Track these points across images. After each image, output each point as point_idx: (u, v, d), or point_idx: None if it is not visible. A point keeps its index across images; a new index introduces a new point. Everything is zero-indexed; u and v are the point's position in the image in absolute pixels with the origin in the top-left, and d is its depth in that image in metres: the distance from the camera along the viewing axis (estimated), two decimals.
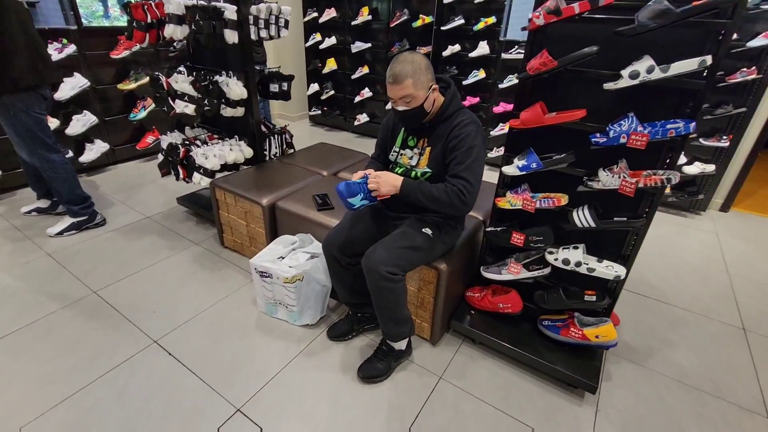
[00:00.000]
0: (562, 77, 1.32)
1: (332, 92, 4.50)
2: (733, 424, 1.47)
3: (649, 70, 1.12)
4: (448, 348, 1.76)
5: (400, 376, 1.61)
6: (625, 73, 1.16)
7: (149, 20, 2.10)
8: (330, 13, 4.12)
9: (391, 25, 3.78)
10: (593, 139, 1.28)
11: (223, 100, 2.17)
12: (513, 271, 1.61)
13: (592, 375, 1.51)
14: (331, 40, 4.23)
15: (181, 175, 2.36)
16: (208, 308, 1.92)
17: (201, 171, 2.26)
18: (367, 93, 4.26)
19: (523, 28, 1.32)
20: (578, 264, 1.44)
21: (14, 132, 2.11)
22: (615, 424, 1.45)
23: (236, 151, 2.34)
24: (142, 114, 3.45)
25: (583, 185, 1.36)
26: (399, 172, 1.56)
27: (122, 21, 3.32)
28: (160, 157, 2.48)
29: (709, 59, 1.07)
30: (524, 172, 1.43)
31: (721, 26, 1.07)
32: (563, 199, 1.42)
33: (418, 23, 3.60)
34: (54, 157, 2.26)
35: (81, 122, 3.09)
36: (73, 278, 2.08)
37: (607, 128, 1.25)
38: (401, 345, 1.60)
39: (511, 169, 1.46)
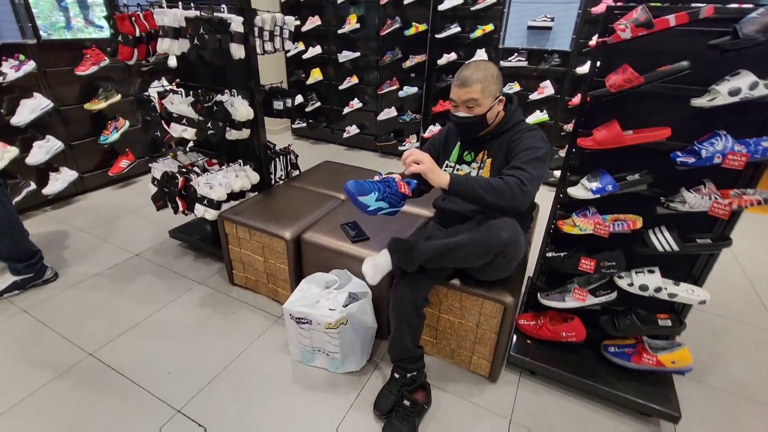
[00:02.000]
0: (636, 93, 1.23)
1: (318, 104, 4.29)
2: None
3: (752, 87, 1.05)
4: (508, 384, 1.63)
5: (468, 421, 1.46)
6: (722, 89, 1.08)
7: (138, 34, 1.82)
8: (314, 21, 3.92)
9: (382, 34, 3.64)
10: (678, 159, 1.19)
11: (227, 123, 1.93)
12: (578, 298, 1.50)
13: (670, 402, 1.43)
14: (316, 50, 4.03)
15: (181, 208, 2.09)
16: (233, 361, 1.68)
17: (205, 202, 2.00)
18: (356, 104, 4.08)
19: (599, 42, 1.22)
20: (658, 289, 1.35)
21: None
22: None
23: (242, 177, 2.10)
24: (114, 136, 3.09)
25: (664, 207, 1.28)
26: None
27: (87, 33, 2.97)
28: (152, 188, 2.19)
29: None
30: (598, 195, 1.33)
31: None
32: (638, 222, 1.33)
33: (412, 31, 3.48)
34: None
35: (44, 149, 2.70)
36: (59, 338, 1.76)
37: (696, 147, 1.17)
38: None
39: (580, 192, 1.36)
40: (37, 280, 2.05)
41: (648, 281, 1.36)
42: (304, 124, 4.43)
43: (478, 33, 3.24)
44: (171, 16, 1.73)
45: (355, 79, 3.99)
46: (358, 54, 3.87)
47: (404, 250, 1.37)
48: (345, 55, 3.89)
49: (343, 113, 4.15)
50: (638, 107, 1.29)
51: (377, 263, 1.42)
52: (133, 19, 1.80)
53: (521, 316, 1.73)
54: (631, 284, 1.40)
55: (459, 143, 1.48)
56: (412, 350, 1.48)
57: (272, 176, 2.32)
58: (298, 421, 1.44)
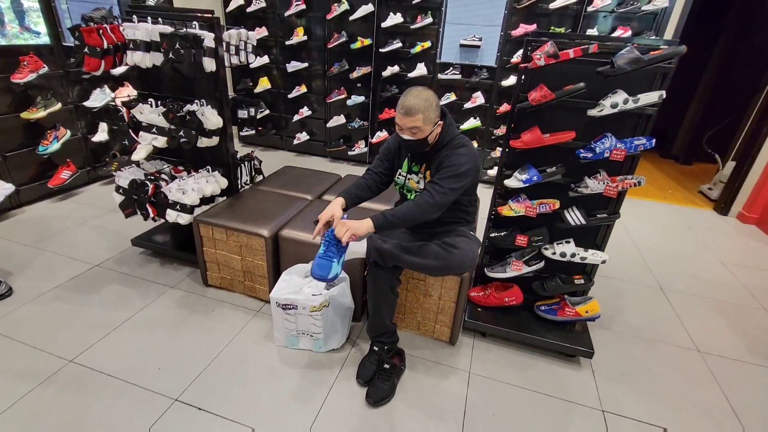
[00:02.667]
0: (550, 106, 1.62)
1: (267, 111, 4.39)
2: (679, 360, 1.95)
3: (625, 102, 1.48)
4: (465, 346, 1.95)
5: (436, 377, 1.75)
6: (606, 103, 1.50)
7: (106, 46, 1.88)
8: (260, 32, 4.03)
9: (329, 46, 3.87)
10: (581, 155, 1.60)
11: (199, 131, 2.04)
12: (516, 269, 1.87)
13: (586, 343, 1.85)
14: (263, 59, 4.14)
15: (151, 214, 2.14)
16: (221, 353, 1.80)
17: (177, 207, 2.08)
18: (306, 111, 4.26)
19: (523, 65, 1.59)
20: (573, 255, 1.76)
21: None
22: (608, 379, 1.80)
23: (212, 183, 2.21)
24: (55, 146, 2.96)
25: (573, 191, 1.68)
26: (410, 196, 1.71)
27: (22, 39, 2.81)
28: (117, 197, 2.20)
29: (663, 93, 1.46)
30: (527, 185, 1.70)
31: (667, 70, 1.47)
32: (557, 204, 1.73)
33: (357, 45, 3.76)
34: None
35: None
36: (32, 350, 1.75)
37: (593, 146, 1.58)
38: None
39: (513, 182, 1.73)
40: None
41: (566, 249, 1.77)
42: (253, 132, 4.50)
43: (417, 48, 3.62)
44: (143, 31, 1.82)
45: (303, 88, 4.17)
46: (306, 64, 4.07)
47: (381, 257, 1.59)
48: (293, 65, 4.05)
49: (294, 120, 4.30)
50: (552, 116, 1.68)
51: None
52: (101, 31, 1.85)
53: (472, 289, 2.07)
54: (554, 253, 1.79)
55: (408, 156, 1.70)
56: (389, 326, 1.74)
57: (239, 181, 2.44)
58: (291, 395, 1.62)
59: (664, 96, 1.47)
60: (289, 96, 4.23)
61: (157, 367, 1.71)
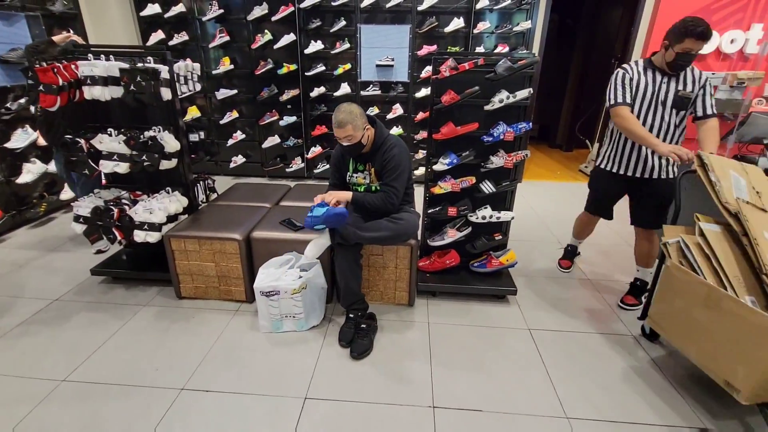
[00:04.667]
0: (457, 104, 2.15)
1: (198, 138, 4.47)
2: (576, 287, 2.59)
3: (507, 98, 2.06)
4: (421, 305, 2.37)
5: (403, 330, 2.14)
6: (495, 99, 2.07)
7: (61, 83, 2.01)
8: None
9: (257, 73, 4.16)
10: (485, 139, 2.15)
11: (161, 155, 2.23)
12: (451, 235, 2.36)
13: (511, 285, 2.39)
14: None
15: (118, 237, 2.24)
16: (213, 347, 1.99)
17: (145, 227, 2.23)
18: (240, 136, 4.46)
19: (433, 77, 2.10)
20: (491, 216, 2.29)
21: None
22: (530, 308, 2.35)
23: (175, 202, 2.39)
24: None
25: (484, 168, 2.22)
26: (362, 189, 2.12)
27: None
28: (76, 227, 2.26)
29: (531, 90, 2.07)
30: (449, 167, 2.20)
31: (531, 74, 2.09)
32: (474, 179, 2.26)
33: (284, 70, 4.11)
34: None
35: None
36: (17, 379, 1.78)
37: (491, 132, 2.14)
38: None
39: (440, 166, 2.22)
40: None
41: (485, 213, 2.30)
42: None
43: (340, 71, 4.08)
44: (101, 68, 2.00)
45: (235, 114, 4.38)
46: (235, 91, 4.29)
47: (344, 238, 1.96)
48: (223, 93, 4.26)
49: (228, 145, 4.46)
50: (461, 113, 2.22)
51: (320, 243, 2.00)
52: (55, 70, 1.99)
53: (420, 260, 2.51)
54: (477, 218, 2.31)
55: (351, 159, 2.12)
56: (359, 294, 2.10)
57: (196, 199, 2.62)
58: (287, 367, 1.88)
59: (532, 92, 2.08)
60: (221, 122, 4.40)
61: (155, 369, 1.85)
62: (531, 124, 2.16)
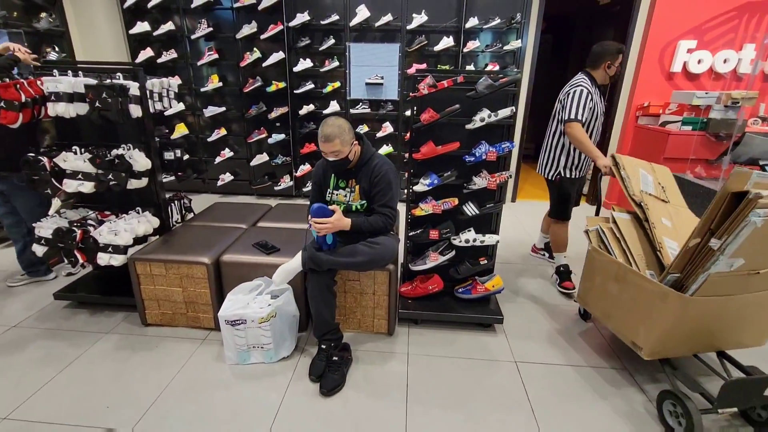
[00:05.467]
0: (437, 123, 2.06)
1: (186, 156, 4.42)
2: (568, 313, 2.44)
3: (489, 116, 1.96)
4: (401, 334, 2.23)
5: (380, 363, 1.99)
6: (476, 118, 1.98)
7: (24, 99, 1.93)
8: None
9: (245, 91, 4.12)
10: (467, 159, 2.05)
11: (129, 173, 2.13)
12: (434, 259, 2.23)
13: (497, 312, 2.25)
14: (179, 106, 4.23)
15: (80, 260, 2.12)
16: (171, 381, 1.85)
17: (110, 249, 2.11)
18: (228, 153, 4.39)
19: (412, 95, 2.02)
20: (475, 240, 2.17)
21: None
22: (518, 338, 2.20)
23: (144, 222, 2.28)
24: None
25: (466, 189, 2.12)
26: (341, 207, 2.00)
27: None
28: (38, 248, 2.15)
29: (514, 108, 1.98)
30: (430, 188, 2.10)
31: (514, 92, 2.00)
32: (456, 201, 2.15)
33: (273, 88, 4.07)
34: None
35: None
36: None
37: (474, 151, 2.04)
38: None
39: (420, 187, 2.11)
40: None
41: (469, 236, 2.18)
42: (172, 178, 4.47)
43: (329, 89, 4.04)
44: (66, 84, 1.93)
45: (223, 131, 4.32)
46: (223, 108, 4.24)
47: (316, 264, 1.84)
48: (211, 110, 4.21)
49: (216, 162, 4.39)
50: (441, 131, 2.12)
51: (290, 269, 1.88)
52: (18, 86, 1.91)
53: (401, 285, 2.38)
54: (460, 241, 2.19)
55: (333, 175, 2.02)
56: (332, 323, 1.96)
57: (170, 220, 2.51)
58: (251, 404, 1.73)
59: (515, 110, 1.99)
60: (209, 140, 4.33)
61: (105, 406, 1.70)
62: (514, 143, 2.06)
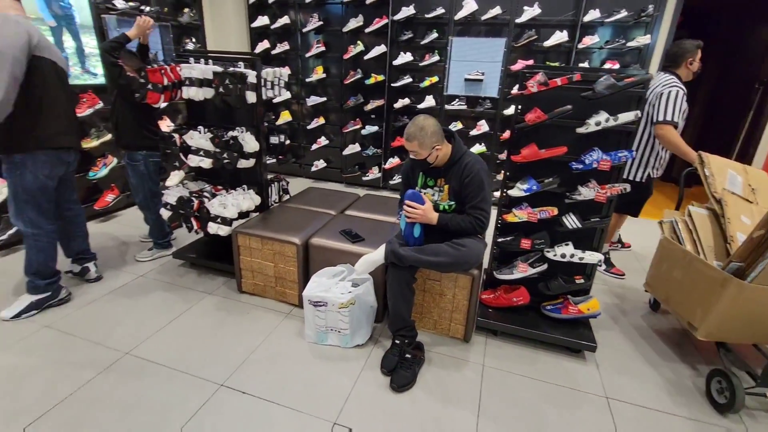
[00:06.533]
0: (543, 124, 1.89)
1: (288, 141, 4.76)
2: (675, 347, 2.10)
3: (607, 120, 1.75)
4: (478, 343, 2.13)
5: (453, 369, 1.92)
6: (591, 122, 1.77)
7: (165, 83, 2.23)
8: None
9: (345, 82, 4.28)
10: (573, 166, 1.86)
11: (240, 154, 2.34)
12: (522, 270, 2.08)
13: (590, 338, 2.02)
14: (286, 95, 4.55)
15: (195, 227, 2.41)
16: (258, 347, 2.00)
17: (218, 220, 2.36)
18: (323, 141, 4.62)
19: (518, 94, 1.88)
20: (572, 255, 1.97)
21: (12, 190, 1.98)
22: (612, 371, 1.96)
23: (248, 199, 2.49)
24: (103, 172, 3.30)
25: (569, 198, 1.92)
26: None
27: (83, 79, 3.22)
28: (164, 212, 2.49)
29: (639, 113, 1.73)
30: (527, 194, 1.95)
31: (640, 94, 1.75)
32: (555, 210, 1.97)
33: (371, 81, 4.16)
34: (45, 225, 2.09)
35: None
36: (92, 344, 1.97)
37: (583, 158, 1.84)
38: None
39: (516, 192, 1.98)
40: (52, 300, 2.21)
41: (566, 251, 1.98)
42: (273, 160, 4.85)
43: (426, 83, 4.00)
44: (198, 71, 2.18)
45: (321, 120, 4.56)
46: (324, 99, 4.47)
47: (398, 258, 1.83)
48: (312, 100, 4.46)
49: (312, 149, 4.66)
50: (546, 134, 1.95)
51: (373, 260, 1.90)
52: (162, 71, 2.21)
53: (483, 292, 2.27)
54: (555, 255, 2.01)
55: (421, 173, 1.99)
56: (408, 320, 1.94)
57: (269, 199, 2.72)
58: (324, 385, 1.80)
59: (640, 115, 1.74)
60: (308, 127, 4.61)
61: (203, 358, 1.91)
62: (634, 152, 1.81)
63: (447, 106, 4.04)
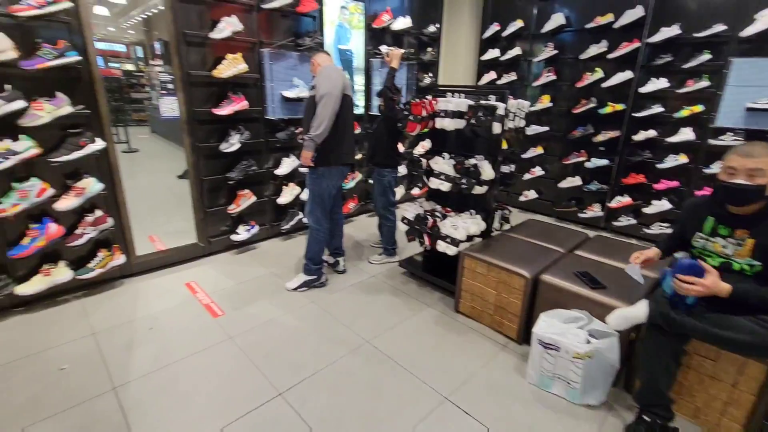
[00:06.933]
0: None
1: (509, 170, 4.76)
2: None
3: None
4: None
5: None
6: None
7: (423, 114, 2.55)
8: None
9: (574, 111, 4.02)
10: None
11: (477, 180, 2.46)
12: None
13: None
14: (521, 123, 4.58)
15: (426, 242, 2.65)
16: (477, 372, 2.02)
17: (448, 240, 2.52)
18: (538, 171, 4.45)
19: None
20: None
21: (311, 194, 2.63)
22: None
23: (475, 224, 2.59)
24: (351, 184, 4.01)
25: None
26: (712, 262, 1.58)
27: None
28: (401, 225, 2.84)
29: None
30: None
31: None
32: None
33: (607, 110, 3.77)
34: (324, 223, 2.67)
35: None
36: (343, 326, 2.38)
37: None
38: None
39: None
40: (316, 282, 2.80)
41: None
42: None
43: (684, 113, 3.36)
44: (454, 104, 2.41)
45: (540, 149, 4.40)
46: (546, 128, 4.30)
47: (667, 323, 1.54)
48: (534, 129, 4.35)
49: (524, 178, 4.54)
50: None
51: (631, 316, 1.65)
52: (423, 105, 2.54)
53: None
54: None
55: (712, 216, 1.61)
56: (665, 397, 1.61)
57: (491, 226, 2.76)
58: None
59: None
60: (523, 155, 4.51)
61: (429, 366, 2.06)
62: None
63: (712, 141, 3.27)
